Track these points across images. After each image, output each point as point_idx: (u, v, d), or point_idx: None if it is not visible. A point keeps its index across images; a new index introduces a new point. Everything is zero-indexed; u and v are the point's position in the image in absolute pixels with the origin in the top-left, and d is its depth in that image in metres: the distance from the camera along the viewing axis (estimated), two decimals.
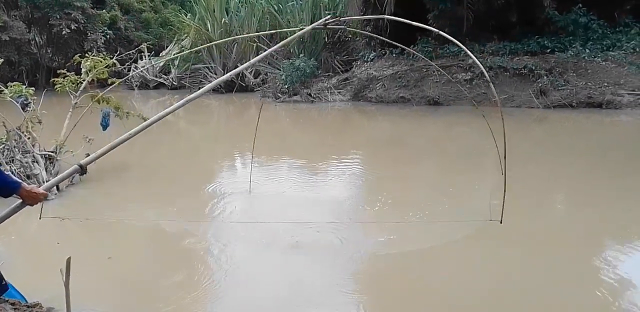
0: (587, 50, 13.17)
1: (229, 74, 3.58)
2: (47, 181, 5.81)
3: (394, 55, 15.18)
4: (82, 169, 2.70)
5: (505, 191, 3.63)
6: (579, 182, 6.32)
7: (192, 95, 3.05)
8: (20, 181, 2.64)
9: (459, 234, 4.49)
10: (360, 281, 3.84)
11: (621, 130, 10.36)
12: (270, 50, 3.65)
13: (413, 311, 3.40)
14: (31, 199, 2.50)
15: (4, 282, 2.86)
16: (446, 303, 3.44)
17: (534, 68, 12.78)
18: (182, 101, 3.00)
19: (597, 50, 13.20)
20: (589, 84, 12.30)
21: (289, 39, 4.07)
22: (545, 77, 12.53)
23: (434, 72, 13.94)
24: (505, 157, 3.60)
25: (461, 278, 3.77)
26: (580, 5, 13.47)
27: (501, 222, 3.58)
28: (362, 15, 15.78)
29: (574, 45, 13.33)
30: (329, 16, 3.86)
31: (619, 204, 5.40)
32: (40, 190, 2.54)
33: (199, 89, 18.08)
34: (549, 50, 13.49)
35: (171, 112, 2.97)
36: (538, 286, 3.61)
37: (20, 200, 2.49)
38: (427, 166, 7.46)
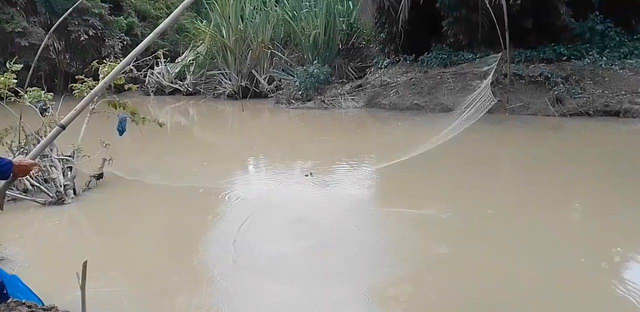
0: (604, 58, 13.02)
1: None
2: (64, 185, 5.90)
3: (408, 62, 15.16)
4: (64, 128, 2.68)
5: None
6: (595, 190, 6.24)
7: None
8: (8, 159, 2.61)
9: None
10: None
11: (638, 139, 10.22)
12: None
13: None
14: (22, 171, 2.49)
15: (4, 291, 2.88)
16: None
17: (550, 75, 12.66)
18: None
19: (615, 58, 13.05)
20: (606, 92, 12.15)
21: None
22: (561, 85, 12.41)
23: (448, 79, 13.90)
24: None
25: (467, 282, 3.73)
26: (597, 12, 13.35)
27: None
28: (376, 22, 15.87)
29: (590, 53, 13.19)
30: None
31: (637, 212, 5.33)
32: (29, 160, 2.53)
33: (214, 95, 18.34)
34: (565, 58, 13.36)
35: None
36: (543, 293, 3.56)
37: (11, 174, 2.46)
38: (438, 172, 7.41)
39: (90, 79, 7.19)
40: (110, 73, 2.93)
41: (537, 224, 4.96)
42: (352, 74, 17.42)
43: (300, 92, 15.78)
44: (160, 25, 2.95)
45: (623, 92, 12.01)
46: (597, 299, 3.56)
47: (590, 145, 9.39)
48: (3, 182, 2.51)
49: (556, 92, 12.29)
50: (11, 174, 2.46)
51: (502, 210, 5.47)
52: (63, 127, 2.66)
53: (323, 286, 3.75)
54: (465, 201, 5.81)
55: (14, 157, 6.06)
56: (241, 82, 18.95)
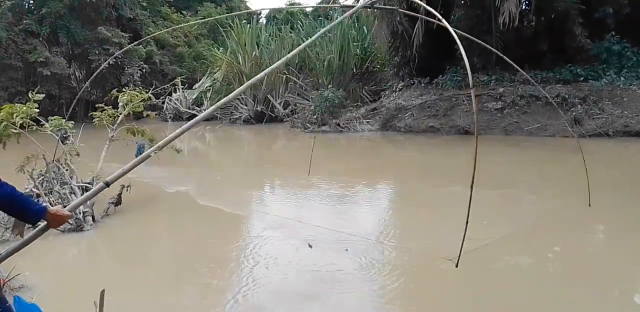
0: (622, 78, 12.94)
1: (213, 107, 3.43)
2: (83, 212, 5.94)
3: (423, 84, 15.23)
4: (108, 186, 2.66)
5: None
6: (619, 213, 6.09)
7: (189, 123, 3.11)
8: (45, 204, 2.57)
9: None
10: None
11: None
12: None
13: None
14: (56, 221, 2.43)
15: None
16: None
17: (567, 97, 12.60)
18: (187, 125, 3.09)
19: (632, 78, 12.96)
20: (625, 112, 12.02)
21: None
22: (579, 106, 12.33)
23: (463, 101, 13.89)
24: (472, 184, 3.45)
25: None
26: (613, 32, 13.33)
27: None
28: (390, 46, 16.01)
29: (608, 73, 13.13)
30: None
31: None
32: (65, 211, 2.49)
33: (230, 120, 18.52)
34: (582, 79, 13.31)
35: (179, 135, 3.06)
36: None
37: (45, 222, 2.42)
38: (454, 193, 7.30)
39: (110, 107, 7.33)
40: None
41: (561, 248, 4.84)
42: (367, 98, 17.53)
43: (315, 116, 15.89)
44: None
45: None
46: None
47: (611, 166, 9.22)
48: (35, 229, 2.48)
49: (574, 113, 12.19)
50: (45, 222, 2.44)
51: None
52: (107, 185, 2.66)
53: None
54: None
55: (35, 185, 6.16)
56: (257, 107, 19.18)
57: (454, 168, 9.55)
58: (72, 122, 7.09)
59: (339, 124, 15.55)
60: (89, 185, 6.51)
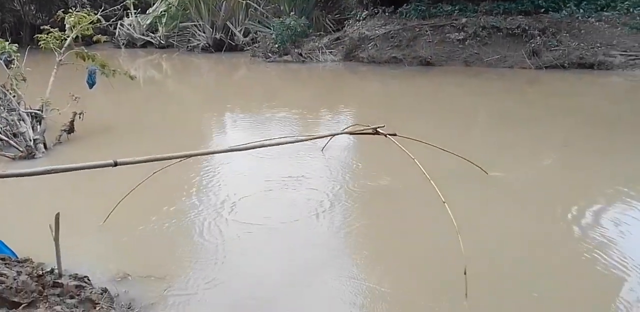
0: (581, 10, 12.96)
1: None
2: (34, 139, 5.79)
3: (387, 14, 14.87)
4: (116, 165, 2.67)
5: None
6: (571, 141, 6.38)
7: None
8: None
9: (455, 185, 4.59)
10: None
11: (612, 91, 10.37)
12: None
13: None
14: None
15: None
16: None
17: (527, 28, 12.61)
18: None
19: (591, 10, 13.02)
20: (582, 44, 12.18)
21: None
22: (538, 38, 12.39)
23: (426, 31, 13.72)
24: None
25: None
26: None
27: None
28: None
29: (568, 5, 13.11)
30: None
31: (611, 161, 5.52)
32: None
33: (187, 47, 17.80)
34: (543, 10, 13.26)
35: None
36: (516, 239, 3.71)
37: None
38: (417, 124, 7.44)
39: (57, 29, 6.91)
40: None
41: (517, 173, 5.10)
42: (330, 27, 17.05)
43: (277, 45, 15.45)
44: None
45: (598, 45, 12.07)
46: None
47: (566, 98, 9.49)
48: None
49: (533, 45, 12.29)
50: None
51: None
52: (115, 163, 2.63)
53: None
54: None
55: None
56: (216, 34, 18.43)
57: (415, 100, 9.67)
58: (17, 45, 6.70)
59: (301, 54, 15.20)
60: (38, 111, 6.30)
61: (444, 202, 3.14)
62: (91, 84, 6.97)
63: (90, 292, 2.85)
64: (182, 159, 3.60)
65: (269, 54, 15.58)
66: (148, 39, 20.56)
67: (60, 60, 6.74)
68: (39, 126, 6.17)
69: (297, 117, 8.00)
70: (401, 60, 13.55)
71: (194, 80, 14.13)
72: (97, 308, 2.68)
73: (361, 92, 10.99)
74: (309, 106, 8.90)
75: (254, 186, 4.81)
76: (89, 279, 3.04)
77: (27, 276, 2.73)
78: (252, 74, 14.16)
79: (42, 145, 5.84)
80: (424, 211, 4.14)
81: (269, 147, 4.68)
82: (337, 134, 4.64)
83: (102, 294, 2.89)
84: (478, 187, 4.70)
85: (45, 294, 2.72)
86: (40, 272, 2.90)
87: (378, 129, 4.36)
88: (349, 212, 4.22)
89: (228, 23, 18.47)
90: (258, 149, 4.46)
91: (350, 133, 4.71)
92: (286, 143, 3.95)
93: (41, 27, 7.17)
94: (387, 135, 4.29)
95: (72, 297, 2.76)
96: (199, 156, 5.56)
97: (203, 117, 8.39)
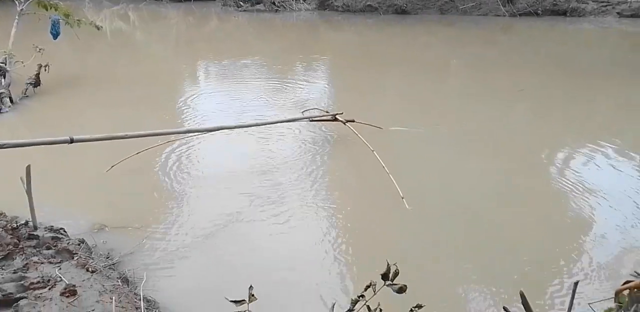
0: None
1: None
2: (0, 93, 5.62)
3: None
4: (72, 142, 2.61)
5: None
6: (542, 89, 6.49)
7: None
8: None
9: (412, 135, 4.69)
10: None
11: (583, 38, 10.44)
12: None
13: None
14: None
15: None
16: None
17: None
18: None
19: None
20: None
21: None
22: None
23: None
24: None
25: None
26: None
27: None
28: None
29: None
30: None
31: (580, 107, 5.68)
32: None
33: None
34: None
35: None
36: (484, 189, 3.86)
37: None
38: (390, 74, 7.43)
39: None
40: None
41: (483, 123, 5.20)
42: None
43: None
44: None
45: None
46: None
47: (538, 46, 9.53)
48: None
49: None
50: None
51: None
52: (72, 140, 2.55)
53: None
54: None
55: None
56: None
57: (388, 50, 9.58)
58: None
59: (274, 3, 14.75)
60: (1, 64, 6.09)
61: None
62: (55, 34, 6.70)
63: (67, 243, 2.87)
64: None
65: (241, 3, 15.09)
66: None
67: (21, 9, 6.45)
68: (3, 80, 5.97)
69: (270, 67, 7.90)
70: (376, 9, 13.30)
71: (164, 31, 13.65)
72: (75, 258, 2.68)
73: (336, 42, 10.82)
74: (283, 57, 8.76)
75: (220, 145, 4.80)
76: (65, 231, 3.06)
77: (1, 229, 2.75)
78: (224, 25, 13.74)
79: (7, 99, 5.68)
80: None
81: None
82: (297, 120, 4.66)
83: (79, 244, 2.91)
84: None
85: (21, 246, 2.73)
86: (15, 225, 2.92)
87: (337, 116, 4.52)
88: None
89: None
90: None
91: (310, 120, 4.81)
92: (247, 126, 4.34)
93: None
94: (345, 123, 4.43)
95: (48, 248, 2.78)
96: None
97: (173, 69, 8.20)
